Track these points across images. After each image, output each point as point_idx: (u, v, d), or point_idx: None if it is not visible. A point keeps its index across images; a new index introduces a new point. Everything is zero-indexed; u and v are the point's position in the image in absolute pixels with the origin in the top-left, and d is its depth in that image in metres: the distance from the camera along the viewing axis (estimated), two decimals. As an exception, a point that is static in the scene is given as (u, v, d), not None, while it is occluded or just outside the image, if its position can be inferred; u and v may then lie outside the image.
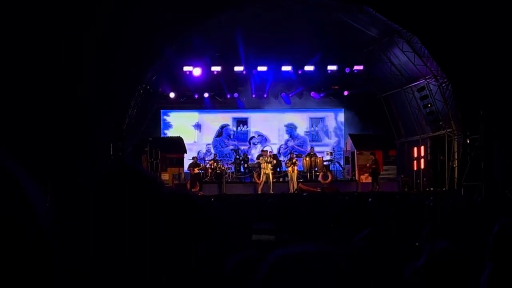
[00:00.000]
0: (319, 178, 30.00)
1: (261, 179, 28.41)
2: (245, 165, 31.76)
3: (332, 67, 30.90)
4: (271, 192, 26.81)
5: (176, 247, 1.72)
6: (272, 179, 28.65)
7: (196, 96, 32.54)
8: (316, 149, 33.01)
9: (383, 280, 3.11)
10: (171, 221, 1.69)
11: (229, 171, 30.85)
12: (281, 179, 30.75)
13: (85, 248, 1.54)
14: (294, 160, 29.01)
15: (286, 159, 30.77)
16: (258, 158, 30.15)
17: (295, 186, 28.34)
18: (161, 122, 33.83)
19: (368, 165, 29.18)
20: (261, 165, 28.67)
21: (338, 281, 1.41)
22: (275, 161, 29.67)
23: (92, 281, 1.53)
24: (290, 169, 28.85)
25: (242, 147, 34.06)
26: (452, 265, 2.85)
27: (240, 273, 2.98)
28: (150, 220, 1.61)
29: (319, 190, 27.50)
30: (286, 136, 35.17)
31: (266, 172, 28.30)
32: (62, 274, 1.35)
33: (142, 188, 1.66)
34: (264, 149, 31.64)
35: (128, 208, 1.59)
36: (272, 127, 34.98)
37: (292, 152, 31.42)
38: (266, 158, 28.66)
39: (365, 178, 29.42)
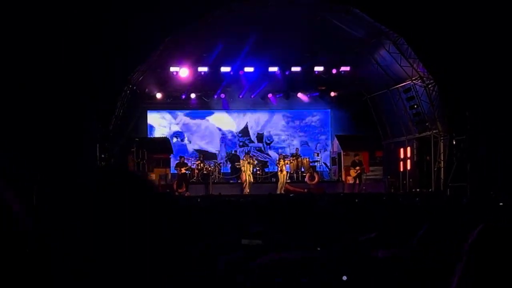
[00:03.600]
0: (306, 179, 30.04)
1: (243, 180, 28.58)
2: (231, 165, 31.78)
3: (319, 68, 30.93)
4: (247, 192, 27.12)
5: (174, 247, 1.72)
6: (252, 180, 28.83)
7: (183, 97, 32.47)
8: (303, 150, 33.19)
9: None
10: (171, 221, 1.68)
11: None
12: (273, 179, 30.83)
13: (85, 248, 1.52)
14: (286, 161, 29.16)
15: (276, 159, 30.72)
16: (242, 159, 30.25)
17: (283, 187, 28.45)
18: (147, 123, 33.72)
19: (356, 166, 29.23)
20: (242, 167, 28.87)
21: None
22: (255, 162, 29.79)
23: (92, 281, 1.52)
24: (280, 166, 29.01)
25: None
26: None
27: (231, 273, 2.98)
28: (151, 220, 1.60)
29: (305, 191, 27.58)
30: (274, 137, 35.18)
31: (247, 173, 28.50)
32: (62, 274, 1.34)
33: (143, 188, 1.65)
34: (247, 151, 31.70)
35: (129, 208, 1.58)
36: (258, 128, 34.95)
37: (281, 153, 31.47)
38: (247, 160, 28.86)
39: (351, 179, 29.46)
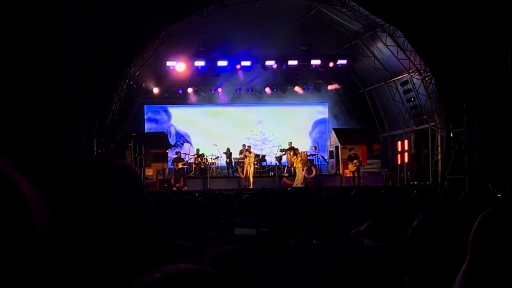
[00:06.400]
0: (304, 173, 29.99)
1: (244, 174, 28.39)
2: (227, 160, 31.59)
3: (315, 62, 30.85)
4: (251, 186, 26.86)
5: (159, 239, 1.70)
6: (254, 174, 28.69)
7: (180, 91, 32.46)
8: (301, 143, 33.21)
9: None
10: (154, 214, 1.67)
11: (213, 166, 30.74)
12: (271, 173, 30.79)
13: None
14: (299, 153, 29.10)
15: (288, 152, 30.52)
16: (240, 153, 30.08)
17: (300, 180, 28.35)
18: (145, 118, 33.70)
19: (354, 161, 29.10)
20: (245, 160, 28.65)
21: None
22: (253, 155, 29.64)
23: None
24: (296, 162, 28.86)
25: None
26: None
27: (219, 266, 2.96)
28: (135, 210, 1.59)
29: (303, 185, 27.55)
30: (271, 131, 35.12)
31: (250, 164, 28.32)
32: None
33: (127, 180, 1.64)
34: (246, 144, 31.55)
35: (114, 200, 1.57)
36: (256, 122, 34.89)
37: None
38: (247, 153, 28.71)
39: (349, 173, 29.42)
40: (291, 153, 30.59)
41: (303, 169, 30.10)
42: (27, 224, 1.20)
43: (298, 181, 28.41)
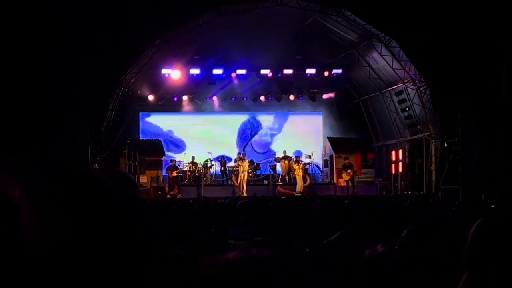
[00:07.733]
0: (298, 181, 30.02)
1: (239, 181, 28.36)
2: (222, 168, 31.60)
3: (310, 71, 30.84)
4: (244, 194, 26.83)
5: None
6: (248, 182, 28.75)
7: (175, 99, 32.44)
8: (295, 152, 33.18)
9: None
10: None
11: (207, 174, 30.69)
12: (265, 182, 30.77)
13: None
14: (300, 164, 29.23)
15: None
16: (235, 161, 30.18)
17: (299, 188, 28.51)
18: (140, 125, 33.64)
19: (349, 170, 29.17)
20: (239, 168, 28.68)
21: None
22: (248, 162, 29.71)
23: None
24: (297, 169, 28.96)
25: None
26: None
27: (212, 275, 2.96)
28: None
29: (297, 193, 27.59)
30: (267, 139, 35.14)
31: (245, 172, 28.35)
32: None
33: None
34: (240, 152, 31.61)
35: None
36: (251, 130, 34.91)
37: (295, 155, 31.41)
38: (242, 161, 28.75)
39: (343, 182, 29.43)
40: (286, 161, 30.72)
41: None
42: (14, 236, 1.20)
43: (299, 189, 28.53)
